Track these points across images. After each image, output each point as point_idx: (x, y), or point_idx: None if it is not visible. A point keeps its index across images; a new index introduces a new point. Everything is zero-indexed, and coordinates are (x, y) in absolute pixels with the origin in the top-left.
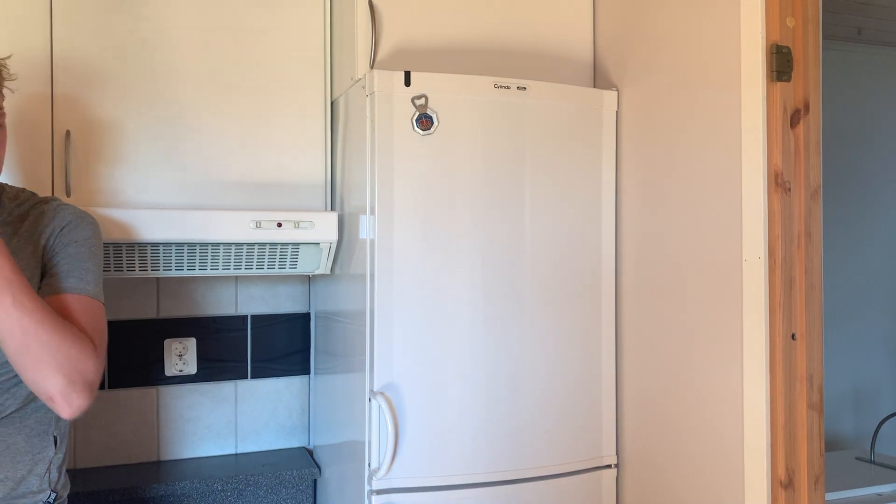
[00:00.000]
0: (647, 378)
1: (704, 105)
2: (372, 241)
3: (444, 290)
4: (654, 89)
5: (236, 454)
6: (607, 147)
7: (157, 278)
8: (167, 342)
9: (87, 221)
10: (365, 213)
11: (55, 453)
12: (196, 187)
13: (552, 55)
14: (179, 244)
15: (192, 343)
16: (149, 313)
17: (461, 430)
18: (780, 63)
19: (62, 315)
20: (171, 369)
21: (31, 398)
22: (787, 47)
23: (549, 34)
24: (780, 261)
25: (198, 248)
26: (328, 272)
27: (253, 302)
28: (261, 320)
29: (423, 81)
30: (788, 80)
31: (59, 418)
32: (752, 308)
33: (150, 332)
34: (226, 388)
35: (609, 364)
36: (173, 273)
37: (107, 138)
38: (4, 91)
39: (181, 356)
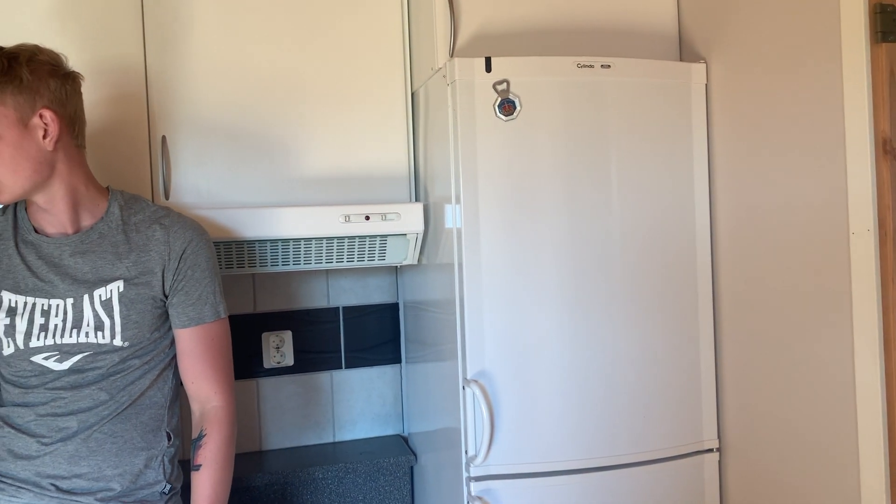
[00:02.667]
0: (749, 359)
1: (803, 71)
2: (459, 231)
3: (533, 276)
4: (747, 58)
5: (334, 443)
6: (697, 122)
7: (253, 274)
8: (265, 335)
9: (204, 240)
10: (450, 202)
11: (168, 447)
12: (286, 185)
13: (634, 30)
14: (273, 241)
15: (288, 336)
16: (247, 308)
17: (555, 417)
18: (885, 23)
19: (199, 346)
20: (269, 361)
21: (146, 395)
22: (892, 5)
23: (631, 8)
24: (891, 232)
25: (291, 243)
26: (415, 262)
27: (344, 294)
28: (352, 311)
29: (503, 66)
30: (895, 40)
31: (171, 415)
32: (862, 284)
33: (248, 327)
34: (321, 378)
35: (707, 346)
36: (269, 269)
37: (199, 141)
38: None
39: (278, 348)
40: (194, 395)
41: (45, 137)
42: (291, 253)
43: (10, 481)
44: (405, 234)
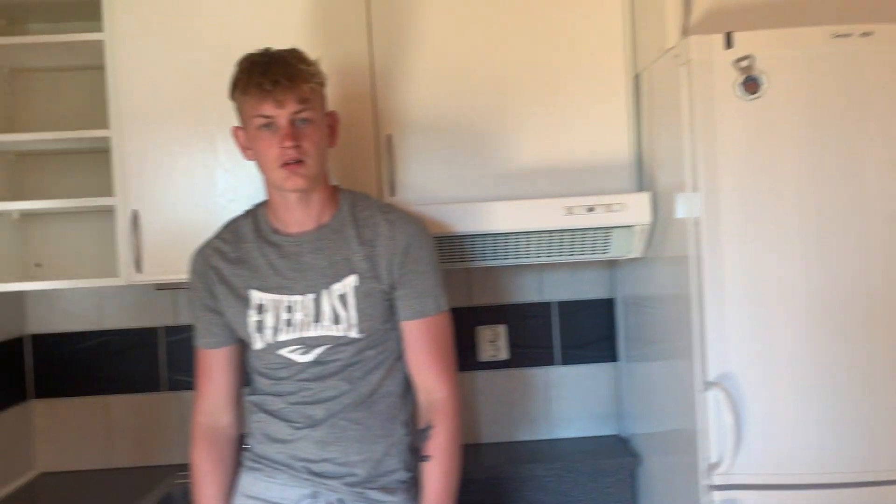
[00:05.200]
0: None
1: None
2: (696, 221)
3: (779, 271)
4: None
5: (550, 440)
6: None
7: (467, 268)
8: (479, 329)
9: (425, 235)
10: (682, 190)
11: (404, 435)
12: (502, 179)
13: None
14: (492, 235)
15: (502, 329)
16: (462, 301)
17: (807, 425)
18: None
19: (423, 338)
20: (483, 355)
21: (382, 385)
22: None
23: None
24: None
25: (510, 237)
26: (640, 256)
27: (557, 288)
28: (566, 306)
29: (745, 41)
30: None
31: (406, 403)
32: None
33: (463, 320)
34: (535, 374)
35: None
36: (488, 263)
37: (421, 139)
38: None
39: (493, 342)
40: (420, 385)
41: (329, 136)
42: (511, 247)
43: (267, 462)
44: (631, 226)
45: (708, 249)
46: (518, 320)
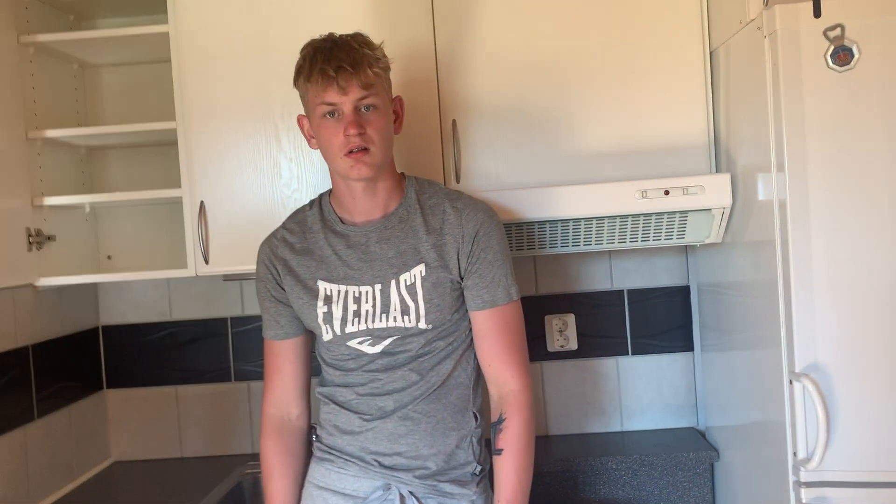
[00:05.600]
0: None
1: None
2: (782, 203)
3: (870, 256)
4: None
5: (622, 432)
6: None
7: (534, 256)
8: (547, 318)
9: (494, 222)
10: (766, 171)
11: (476, 427)
12: (570, 162)
13: None
14: (562, 221)
15: (571, 319)
16: (528, 290)
17: None
18: None
19: (494, 328)
20: (552, 345)
21: (452, 375)
22: None
23: None
24: None
25: (581, 223)
26: (719, 241)
27: (628, 276)
28: (637, 294)
29: (836, 9)
30: None
31: (477, 395)
32: None
33: (530, 309)
34: (607, 364)
35: None
36: (559, 250)
37: (486, 123)
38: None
39: (561, 332)
40: (491, 377)
41: (395, 122)
42: (581, 233)
43: (338, 454)
44: (710, 210)
45: (794, 233)
46: (587, 309)
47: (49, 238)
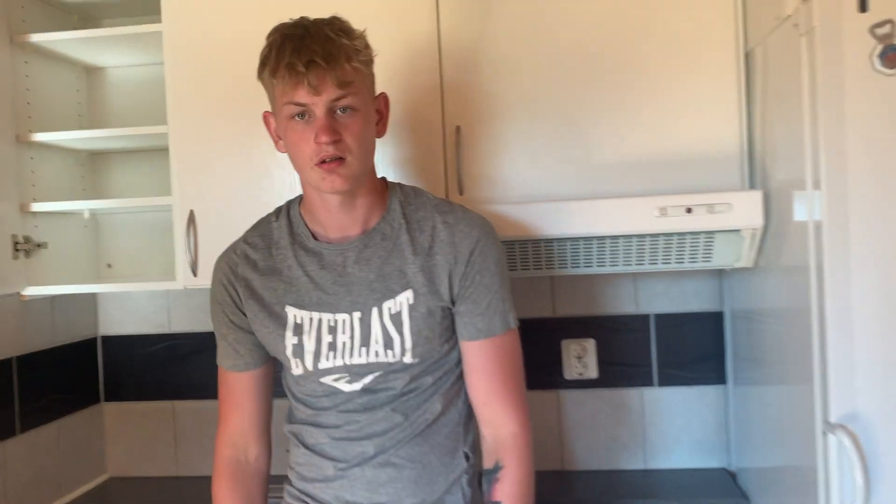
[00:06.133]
0: None
1: None
2: (817, 224)
3: None
4: None
5: (645, 470)
6: None
7: (552, 276)
8: (564, 343)
9: (493, 239)
10: (800, 188)
11: (467, 468)
12: (589, 173)
13: None
14: (574, 239)
15: (591, 344)
16: (544, 312)
17: None
18: None
19: (490, 361)
20: (570, 372)
21: (442, 413)
22: None
23: None
24: None
25: (594, 242)
26: (751, 265)
27: (655, 299)
28: (665, 320)
29: (885, 3)
30: None
31: (467, 431)
32: None
33: (546, 333)
34: (630, 395)
35: None
36: (568, 271)
37: (496, 130)
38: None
39: (580, 358)
40: (487, 418)
41: (378, 123)
42: (595, 253)
43: (311, 500)
44: (738, 230)
45: (831, 259)
46: (609, 334)
47: (39, 245)
